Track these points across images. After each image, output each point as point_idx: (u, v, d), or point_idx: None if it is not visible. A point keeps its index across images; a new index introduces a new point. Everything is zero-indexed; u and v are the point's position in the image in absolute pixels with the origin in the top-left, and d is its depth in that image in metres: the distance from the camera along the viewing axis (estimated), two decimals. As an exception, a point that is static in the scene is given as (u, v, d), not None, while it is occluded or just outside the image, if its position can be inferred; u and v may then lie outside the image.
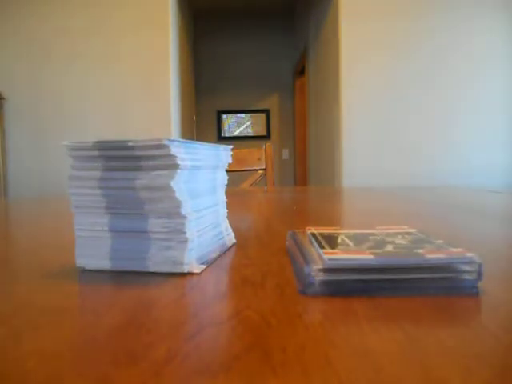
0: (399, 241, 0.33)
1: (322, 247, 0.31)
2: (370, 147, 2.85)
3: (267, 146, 1.82)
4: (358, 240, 0.33)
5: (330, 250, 0.30)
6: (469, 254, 0.28)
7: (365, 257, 0.28)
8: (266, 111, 5.49)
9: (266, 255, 0.40)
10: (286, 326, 0.22)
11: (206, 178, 0.40)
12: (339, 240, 0.34)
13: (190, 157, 0.35)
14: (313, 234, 0.36)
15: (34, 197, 1.44)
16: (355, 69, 2.84)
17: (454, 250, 0.29)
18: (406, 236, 0.35)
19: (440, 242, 0.32)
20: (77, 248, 0.36)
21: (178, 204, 0.33)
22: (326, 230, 0.38)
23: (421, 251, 0.29)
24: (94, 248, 0.35)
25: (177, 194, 0.33)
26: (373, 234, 0.36)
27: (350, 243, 0.32)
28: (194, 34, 5.24)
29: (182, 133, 3.57)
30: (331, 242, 0.33)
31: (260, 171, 1.79)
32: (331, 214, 0.74)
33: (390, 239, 0.33)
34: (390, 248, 0.30)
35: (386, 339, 0.20)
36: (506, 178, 2.77)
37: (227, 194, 0.46)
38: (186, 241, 0.33)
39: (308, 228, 0.40)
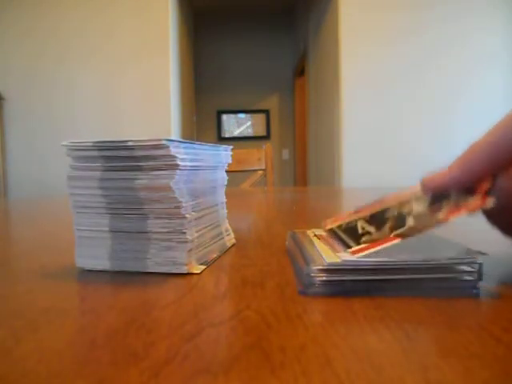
0: (416, 207, 0.30)
1: (348, 246, 0.30)
2: (371, 147, 2.85)
3: (267, 146, 1.82)
4: (378, 222, 0.32)
5: (357, 247, 0.29)
6: (469, 255, 0.28)
7: (365, 257, 0.28)
8: (266, 111, 5.49)
9: (266, 255, 0.40)
10: (285, 326, 0.22)
11: (206, 179, 0.40)
12: (359, 229, 0.32)
13: (189, 157, 0.35)
14: (332, 231, 0.35)
15: (33, 197, 1.44)
16: (355, 69, 2.83)
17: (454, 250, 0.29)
18: (419, 200, 0.31)
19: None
20: (77, 248, 0.36)
21: (177, 204, 0.33)
22: (342, 220, 0.37)
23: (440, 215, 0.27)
24: (93, 248, 0.35)
25: (176, 195, 0.33)
26: (387, 210, 0.33)
27: (372, 229, 0.31)
28: (194, 34, 5.24)
29: (181, 133, 3.57)
30: (352, 234, 0.32)
31: (260, 171, 1.79)
32: (331, 214, 0.74)
33: (406, 210, 0.31)
34: (411, 222, 0.29)
35: (386, 339, 0.20)
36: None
37: (227, 194, 0.46)
38: (185, 241, 0.33)
39: (324, 223, 0.39)
